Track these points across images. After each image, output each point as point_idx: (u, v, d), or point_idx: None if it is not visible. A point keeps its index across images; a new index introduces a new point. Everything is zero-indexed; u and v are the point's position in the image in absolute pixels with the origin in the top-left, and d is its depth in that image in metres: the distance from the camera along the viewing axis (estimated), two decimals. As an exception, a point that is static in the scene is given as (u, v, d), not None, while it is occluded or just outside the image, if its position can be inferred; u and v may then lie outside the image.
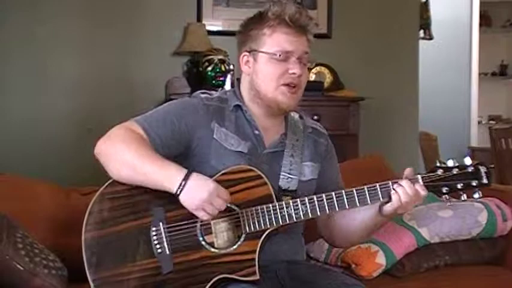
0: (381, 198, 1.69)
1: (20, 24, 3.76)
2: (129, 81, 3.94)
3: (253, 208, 1.69)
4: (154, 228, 1.69)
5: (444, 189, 1.67)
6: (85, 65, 3.90)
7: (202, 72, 3.79)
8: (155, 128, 1.76)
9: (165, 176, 1.65)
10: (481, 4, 6.45)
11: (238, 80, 1.94)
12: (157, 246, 1.68)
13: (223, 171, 1.72)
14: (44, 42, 3.82)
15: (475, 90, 6.49)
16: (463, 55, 6.44)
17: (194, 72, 3.87)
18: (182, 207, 1.66)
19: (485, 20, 6.68)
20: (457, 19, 6.37)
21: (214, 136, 1.79)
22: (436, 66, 5.99)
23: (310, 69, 1.99)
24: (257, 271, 1.66)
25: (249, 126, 1.85)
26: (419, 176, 1.68)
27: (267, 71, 1.81)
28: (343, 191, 1.70)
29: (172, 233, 1.69)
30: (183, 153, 1.79)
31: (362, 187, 1.69)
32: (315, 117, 3.38)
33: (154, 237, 1.68)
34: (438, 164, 1.69)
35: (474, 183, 1.66)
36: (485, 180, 1.67)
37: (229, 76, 3.72)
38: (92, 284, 1.66)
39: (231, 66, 3.72)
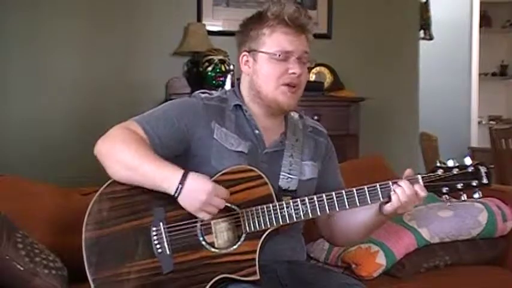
0: (381, 198, 1.69)
1: (20, 24, 3.76)
2: (129, 81, 3.94)
3: (254, 208, 1.69)
4: (154, 228, 1.68)
5: (444, 189, 1.67)
6: (85, 65, 3.90)
7: (203, 72, 3.79)
8: (155, 128, 1.75)
9: (162, 177, 1.65)
10: (481, 4, 6.45)
11: (238, 79, 1.94)
12: (158, 246, 1.68)
13: (223, 171, 1.72)
14: (44, 42, 3.82)
15: (475, 91, 6.49)
16: (463, 55, 6.44)
17: (194, 72, 3.87)
18: (182, 207, 1.66)
19: (485, 21, 6.67)
20: (457, 19, 6.37)
21: (214, 136, 1.79)
22: (436, 67, 5.99)
23: (310, 69, 1.99)
24: (257, 271, 1.66)
25: (249, 125, 1.85)
26: (419, 176, 1.68)
27: (266, 71, 1.81)
28: (343, 191, 1.70)
29: (172, 233, 1.68)
30: (183, 154, 1.79)
31: (362, 187, 1.69)
32: (315, 118, 3.38)
33: (155, 237, 1.68)
34: (438, 164, 1.69)
35: (474, 183, 1.66)
36: (485, 180, 1.66)
37: (229, 76, 3.72)
38: (92, 284, 1.66)
39: (231, 67, 3.72)
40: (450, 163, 1.68)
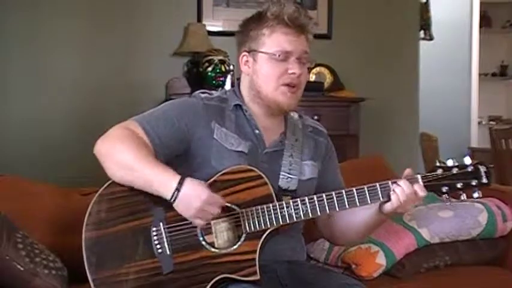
0: (381, 198, 1.69)
1: (20, 24, 3.76)
2: (129, 81, 3.94)
3: (254, 208, 1.69)
4: (154, 228, 1.68)
5: (444, 189, 1.67)
6: (85, 65, 3.90)
7: (203, 72, 3.79)
8: (155, 127, 1.75)
9: (160, 182, 1.65)
10: (481, 5, 6.45)
11: (238, 79, 1.94)
12: (158, 246, 1.68)
13: (223, 171, 1.72)
14: (44, 42, 3.82)
15: (475, 91, 6.49)
16: (463, 56, 6.44)
17: (194, 72, 3.87)
18: None
19: (485, 21, 6.67)
20: (457, 20, 6.37)
21: (214, 136, 1.79)
22: (436, 67, 5.99)
23: (310, 70, 1.98)
24: (258, 271, 1.66)
25: (249, 125, 1.85)
26: (419, 176, 1.68)
27: (266, 71, 1.81)
28: (343, 190, 1.70)
29: (172, 233, 1.68)
30: (183, 154, 1.79)
31: (362, 187, 1.69)
32: (315, 118, 3.38)
33: (155, 237, 1.68)
34: (438, 164, 1.69)
35: (474, 183, 1.66)
36: (484, 180, 1.67)
37: (229, 76, 3.72)
38: (92, 284, 1.66)
39: (231, 67, 3.72)
40: (450, 163, 1.68)
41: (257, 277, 1.66)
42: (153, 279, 1.67)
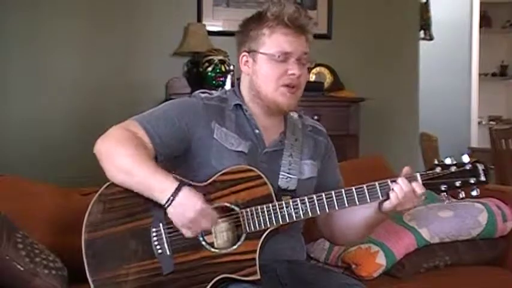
0: (380, 197, 1.69)
1: (20, 24, 3.76)
2: (129, 81, 3.94)
3: (253, 208, 1.69)
4: (154, 229, 1.68)
5: (442, 187, 1.68)
6: (85, 65, 3.90)
7: (203, 72, 3.79)
8: (155, 127, 1.75)
9: (156, 186, 1.65)
10: (481, 5, 6.45)
11: (239, 79, 1.94)
12: (158, 246, 1.68)
13: (222, 171, 1.72)
14: (44, 42, 3.82)
15: (475, 91, 6.49)
16: (463, 56, 6.44)
17: (194, 72, 3.87)
18: None
19: (485, 21, 6.68)
20: (457, 20, 6.37)
21: (214, 136, 1.79)
22: (436, 67, 6.00)
23: (310, 70, 1.98)
24: (258, 270, 1.66)
25: (249, 125, 1.85)
26: (417, 174, 1.69)
27: (266, 72, 1.80)
28: (342, 189, 1.70)
29: (172, 234, 1.68)
30: (182, 154, 1.79)
31: (361, 185, 1.69)
32: (315, 118, 3.38)
33: (155, 238, 1.68)
34: (436, 162, 1.70)
35: (472, 181, 1.67)
36: (483, 178, 1.67)
37: (229, 76, 3.72)
38: (92, 285, 1.66)
39: (231, 67, 3.72)
40: (448, 161, 1.68)
41: (257, 277, 1.66)
42: (153, 280, 1.66)
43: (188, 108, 1.81)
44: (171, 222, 1.68)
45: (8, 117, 3.78)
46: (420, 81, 4.56)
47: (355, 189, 1.69)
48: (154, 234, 1.68)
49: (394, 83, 4.41)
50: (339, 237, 1.93)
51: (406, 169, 1.70)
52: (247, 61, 1.85)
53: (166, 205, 1.63)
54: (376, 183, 1.69)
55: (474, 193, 1.66)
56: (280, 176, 1.81)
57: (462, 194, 1.67)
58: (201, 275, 1.66)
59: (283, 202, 1.70)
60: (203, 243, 1.68)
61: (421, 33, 5.01)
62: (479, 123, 6.60)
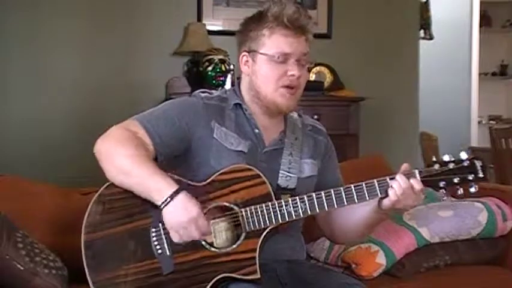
0: (379, 194, 1.69)
1: (20, 24, 3.76)
2: (129, 81, 3.94)
3: (253, 207, 1.69)
4: (153, 229, 1.68)
5: (441, 184, 1.68)
6: (85, 65, 3.90)
7: (203, 72, 3.79)
8: (155, 126, 1.75)
9: (155, 187, 1.65)
10: (481, 4, 6.45)
11: (239, 78, 1.94)
12: (158, 247, 1.68)
13: (221, 171, 1.72)
14: (44, 42, 3.82)
15: (475, 90, 6.49)
16: (463, 55, 6.44)
17: (194, 72, 3.87)
18: None
19: (485, 20, 6.67)
20: (457, 19, 6.36)
21: (214, 135, 1.79)
22: (436, 67, 5.99)
23: (310, 69, 1.98)
24: (258, 270, 1.66)
25: (249, 124, 1.85)
26: (416, 171, 1.69)
27: (265, 73, 1.80)
28: (341, 188, 1.70)
29: (171, 234, 1.68)
30: (182, 154, 1.79)
31: (360, 183, 1.69)
32: (315, 117, 3.38)
33: (154, 238, 1.68)
34: (435, 159, 1.70)
35: (470, 177, 1.67)
36: (481, 174, 1.67)
37: (229, 76, 3.72)
38: (92, 286, 1.66)
39: (232, 66, 3.72)
40: (446, 158, 1.69)
41: (257, 276, 1.66)
42: (153, 280, 1.66)
43: (188, 108, 1.81)
44: (171, 223, 1.68)
45: (8, 117, 3.78)
46: (420, 80, 4.56)
47: (354, 187, 1.69)
48: (154, 234, 1.68)
49: (394, 82, 4.41)
50: (339, 236, 1.93)
51: (404, 166, 1.71)
52: (247, 61, 1.85)
53: (162, 206, 1.63)
54: (375, 180, 1.69)
55: (472, 189, 1.67)
56: (280, 175, 1.81)
57: (461, 191, 1.68)
58: (201, 275, 1.66)
59: (283, 201, 1.70)
60: (203, 242, 1.68)
61: (421, 33, 5.00)
62: (479, 122, 6.60)
